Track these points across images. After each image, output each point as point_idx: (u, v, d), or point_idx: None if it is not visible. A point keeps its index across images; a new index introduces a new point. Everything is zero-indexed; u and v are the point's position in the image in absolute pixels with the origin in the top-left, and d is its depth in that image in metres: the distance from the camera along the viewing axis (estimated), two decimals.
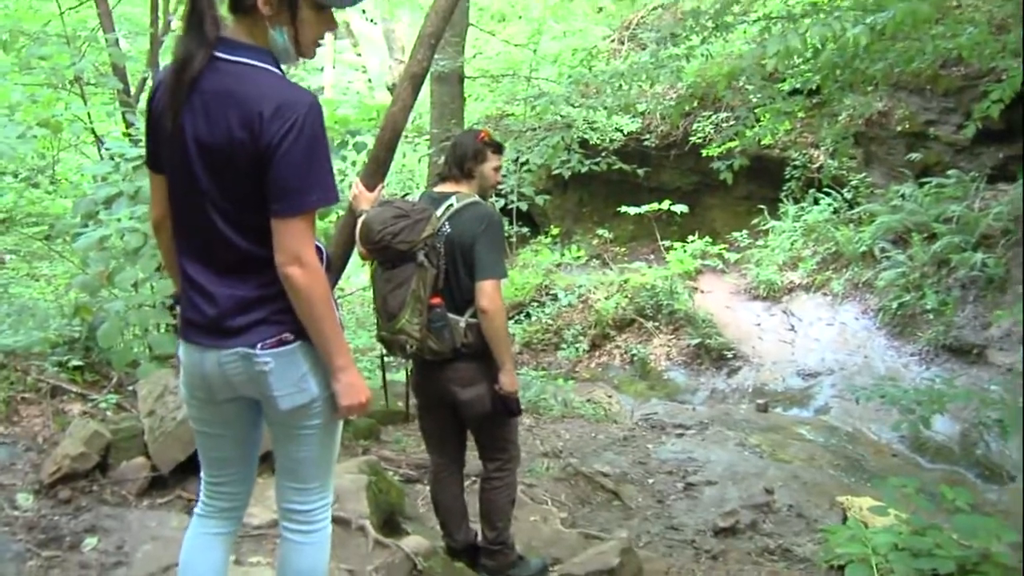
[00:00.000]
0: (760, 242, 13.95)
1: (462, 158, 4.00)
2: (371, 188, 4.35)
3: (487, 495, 4.23)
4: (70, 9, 8.79)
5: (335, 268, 4.82)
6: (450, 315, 3.80)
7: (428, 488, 5.44)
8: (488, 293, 3.73)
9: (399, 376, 9.59)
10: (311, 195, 2.29)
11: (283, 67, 2.43)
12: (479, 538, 4.35)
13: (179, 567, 2.78)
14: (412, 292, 3.68)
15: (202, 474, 2.79)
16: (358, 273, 14.10)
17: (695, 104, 12.59)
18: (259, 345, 2.41)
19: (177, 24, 7.97)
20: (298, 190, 2.27)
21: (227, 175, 2.30)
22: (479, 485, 4.30)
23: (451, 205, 3.84)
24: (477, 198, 3.97)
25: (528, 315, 13.13)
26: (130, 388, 5.26)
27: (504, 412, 4.01)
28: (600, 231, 16.19)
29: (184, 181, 2.37)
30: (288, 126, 2.22)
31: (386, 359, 7.79)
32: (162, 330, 5.30)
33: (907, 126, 12.04)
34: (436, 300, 3.75)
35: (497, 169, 4.17)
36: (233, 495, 2.79)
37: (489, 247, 3.79)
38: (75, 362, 5.38)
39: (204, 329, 2.47)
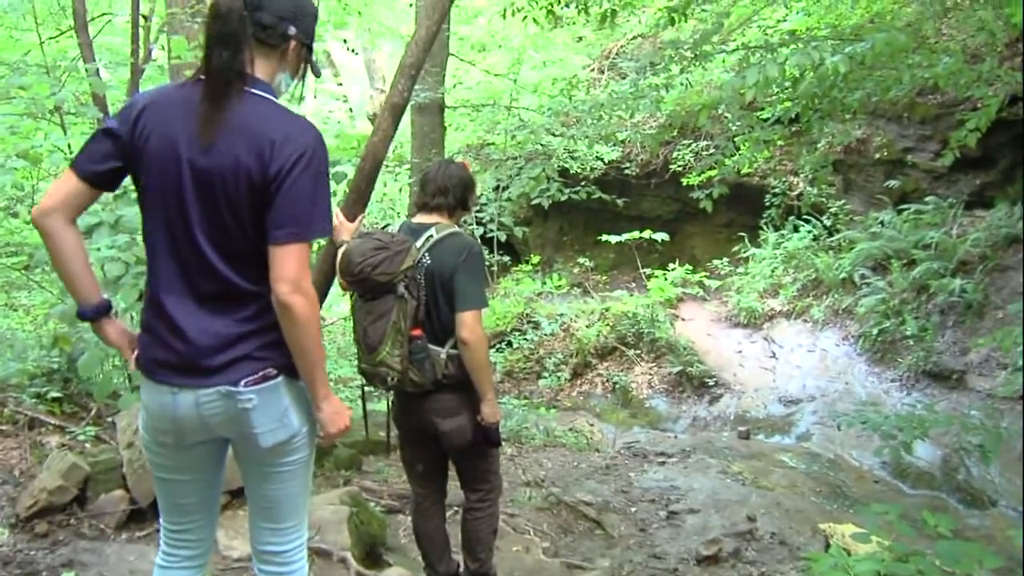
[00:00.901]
0: (741, 269, 14.01)
1: (463, 189, 4.00)
2: (352, 218, 4.35)
3: (469, 525, 4.21)
4: (50, 39, 8.80)
5: (320, 295, 4.81)
6: (431, 346, 3.78)
7: (410, 519, 5.44)
8: (469, 324, 3.72)
9: (380, 406, 9.55)
10: (315, 224, 2.30)
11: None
12: (461, 569, 4.32)
13: None
14: (392, 324, 3.65)
15: (162, 522, 2.74)
16: (339, 302, 14.06)
17: (675, 133, 12.66)
18: (242, 382, 2.38)
19: (159, 54, 7.99)
20: (305, 218, 2.27)
21: (224, 202, 2.29)
22: (461, 516, 4.28)
23: (431, 236, 3.84)
24: (457, 228, 3.97)
25: (510, 344, 13.11)
26: (109, 420, 5.23)
27: (486, 443, 3.99)
28: (581, 259, 16.21)
29: (173, 206, 2.35)
30: (299, 155, 2.26)
31: (367, 389, 7.77)
32: None
33: (885, 154, 12.13)
34: (417, 332, 3.73)
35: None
36: (197, 542, 2.76)
37: (470, 278, 3.77)
38: (54, 393, 5.35)
39: (177, 368, 2.41)
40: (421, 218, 3.99)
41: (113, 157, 2.39)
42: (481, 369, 3.81)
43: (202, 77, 2.35)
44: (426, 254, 3.80)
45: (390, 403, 4.94)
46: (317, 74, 2.65)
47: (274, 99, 2.41)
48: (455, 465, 4.20)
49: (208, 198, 2.30)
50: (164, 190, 2.35)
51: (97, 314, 2.57)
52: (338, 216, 4.33)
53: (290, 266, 2.22)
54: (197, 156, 2.29)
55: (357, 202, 4.52)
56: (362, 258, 3.62)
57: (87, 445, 4.90)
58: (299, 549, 2.72)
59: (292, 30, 2.45)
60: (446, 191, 3.96)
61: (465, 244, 3.88)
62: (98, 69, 7.24)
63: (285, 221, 2.24)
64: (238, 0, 2.31)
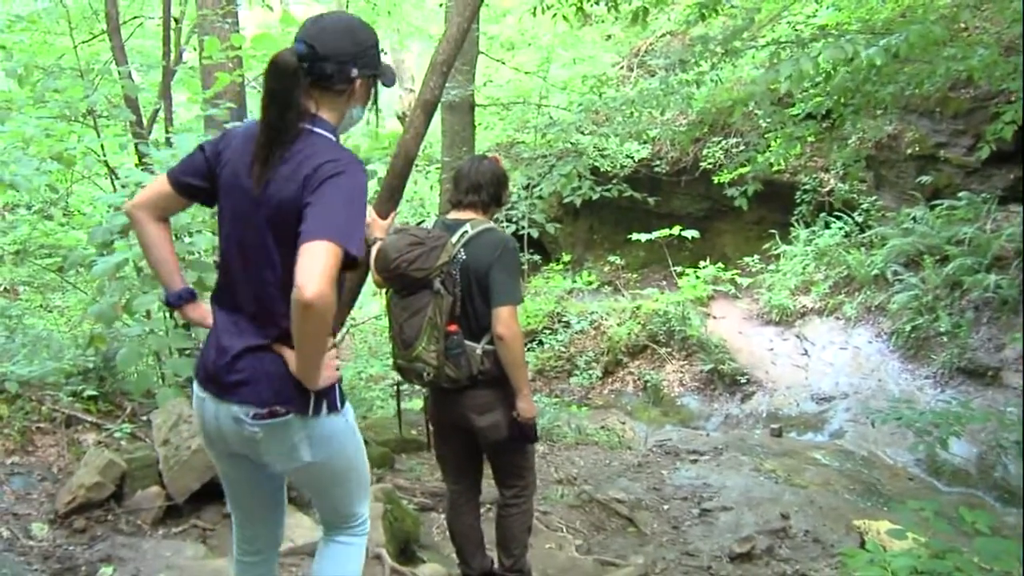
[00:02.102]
0: (772, 267, 13.94)
1: (496, 185, 4.01)
2: (384, 216, 4.36)
3: (504, 522, 4.21)
4: (84, 43, 8.89)
5: (348, 298, 4.84)
6: (466, 342, 3.79)
7: (444, 516, 5.44)
8: (504, 319, 3.72)
9: (413, 404, 9.59)
10: (337, 229, 2.26)
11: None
12: (495, 565, 4.32)
13: None
14: (428, 319, 3.66)
15: (232, 520, 2.90)
16: (370, 302, 14.12)
17: (705, 130, 12.62)
18: (251, 414, 2.46)
19: (190, 55, 8.05)
20: (327, 223, 2.27)
21: (273, 236, 2.41)
22: (495, 512, 4.28)
23: (466, 232, 3.84)
24: (492, 224, 3.96)
25: (541, 342, 13.11)
26: (144, 417, 5.27)
27: (521, 439, 3.99)
28: (611, 258, 16.21)
29: (235, 234, 2.52)
30: (329, 175, 2.33)
31: (401, 387, 7.78)
32: (177, 355, 5.28)
33: (917, 149, 12.04)
34: (452, 327, 3.74)
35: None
36: (258, 539, 2.91)
37: (505, 273, 3.78)
38: (89, 392, 5.39)
39: (209, 376, 2.55)
40: (456, 214, 3.99)
41: (199, 175, 2.61)
42: (517, 364, 3.81)
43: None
44: (461, 250, 3.80)
45: (424, 401, 4.93)
46: (389, 85, 2.73)
47: (328, 135, 2.50)
48: (490, 461, 4.20)
49: (270, 227, 2.42)
50: (234, 217, 2.53)
51: (179, 300, 2.79)
52: (371, 214, 4.34)
53: (309, 261, 2.19)
54: (252, 192, 2.44)
55: (389, 199, 4.53)
56: (398, 254, 3.65)
57: (123, 442, 4.93)
58: (359, 523, 2.87)
59: (355, 72, 2.53)
60: (479, 188, 3.96)
61: (500, 239, 3.87)
62: (130, 72, 7.30)
63: (309, 224, 2.26)
64: (293, 56, 2.42)
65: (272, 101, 2.43)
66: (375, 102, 2.72)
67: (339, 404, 2.58)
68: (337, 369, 2.56)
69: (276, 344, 2.45)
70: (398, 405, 7.79)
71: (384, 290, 3.91)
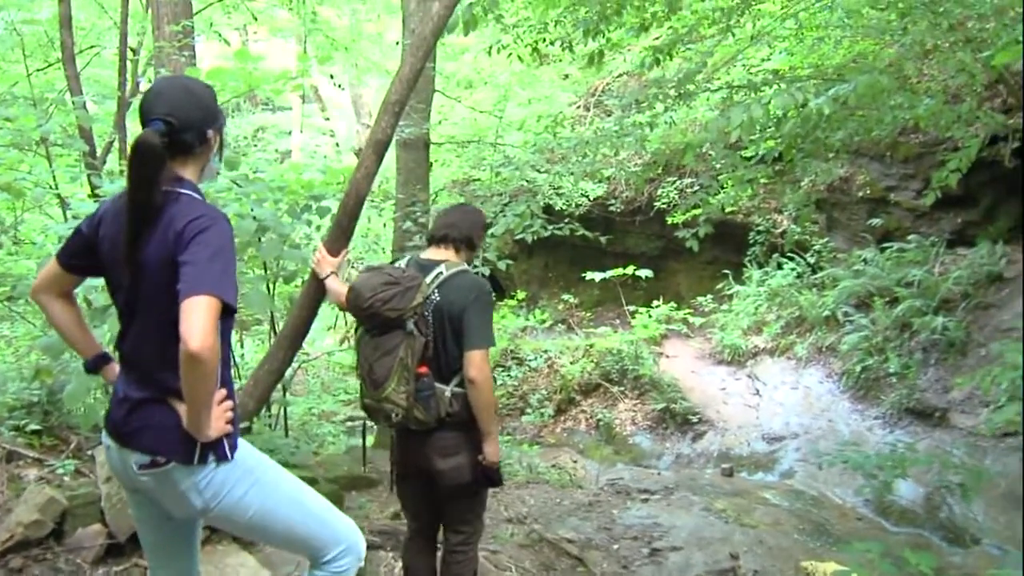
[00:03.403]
0: (725, 307, 14.06)
1: (472, 229, 4.02)
2: (334, 254, 4.35)
3: (451, 569, 4.15)
4: (38, 71, 8.82)
5: (300, 332, 4.82)
6: (436, 384, 3.77)
7: (391, 555, 5.40)
8: (477, 363, 3.70)
9: (360, 442, 9.53)
10: (207, 283, 2.40)
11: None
12: None
13: None
14: (400, 360, 3.65)
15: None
16: (322, 338, 14.05)
17: (659, 170, 12.74)
18: (135, 465, 2.61)
19: (146, 87, 8.01)
20: (198, 278, 2.40)
21: (159, 297, 2.50)
22: (441, 558, 4.21)
23: (440, 273, 3.83)
24: (466, 266, 3.96)
25: (494, 380, 13.09)
26: (89, 453, 5.19)
27: (487, 483, 3.99)
28: (565, 296, 16.26)
29: (122, 298, 2.68)
30: (196, 232, 2.48)
31: (357, 424, 7.73)
32: None
33: (868, 192, 12.24)
34: (423, 369, 3.73)
35: None
36: None
37: (479, 317, 3.77)
38: (33, 426, 5.31)
39: (113, 426, 2.70)
40: (430, 254, 3.98)
41: (82, 255, 2.79)
42: (487, 408, 3.80)
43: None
44: (435, 291, 3.79)
45: (377, 438, 4.88)
46: (220, 148, 2.90)
47: (191, 193, 2.65)
48: (443, 505, 4.13)
49: (150, 287, 2.56)
50: (118, 286, 2.68)
51: (95, 367, 2.95)
52: (321, 251, 4.35)
53: (187, 319, 2.31)
54: (134, 256, 2.56)
55: (340, 238, 4.51)
56: (372, 292, 3.64)
57: (66, 478, 4.85)
58: (335, 559, 2.91)
59: (210, 133, 2.74)
60: (453, 226, 3.97)
61: (475, 283, 3.87)
62: (85, 102, 7.25)
63: (189, 278, 2.39)
64: (156, 136, 2.55)
65: (138, 183, 2.54)
66: (221, 149, 2.90)
67: (229, 454, 2.65)
68: (229, 422, 2.65)
69: (171, 397, 2.57)
70: (363, 443, 7.74)
71: (353, 329, 3.89)
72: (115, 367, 2.88)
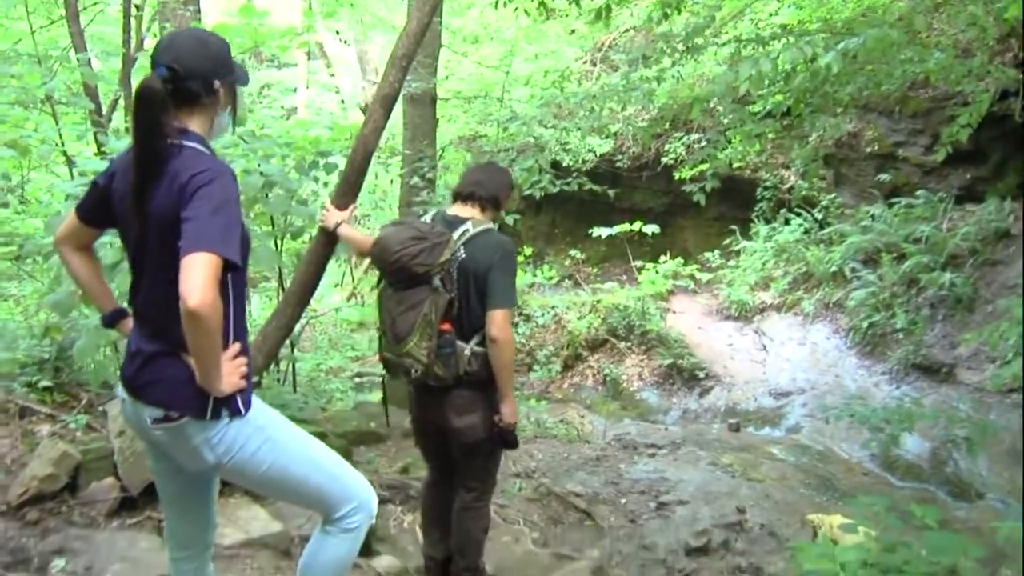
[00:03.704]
0: (732, 262, 14.05)
1: (499, 189, 4.02)
2: (342, 209, 4.36)
3: (463, 525, 4.19)
4: (41, 28, 8.77)
5: (308, 288, 4.83)
6: (457, 342, 3.78)
7: (399, 509, 5.46)
8: (499, 322, 3.72)
9: (373, 396, 9.57)
10: (208, 239, 2.39)
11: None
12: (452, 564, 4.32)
13: None
14: (424, 316, 3.65)
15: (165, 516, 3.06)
16: (330, 294, 14.08)
17: (667, 126, 12.68)
18: (149, 420, 2.60)
19: (151, 43, 7.97)
20: (198, 234, 2.39)
21: (168, 249, 2.44)
22: (455, 514, 4.24)
23: (467, 230, 3.83)
24: (492, 225, 3.96)
25: None
26: (101, 408, 5.22)
27: (503, 445, 4.01)
28: (572, 252, 16.25)
29: (135, 249, 2.68)
30: (198, 186, 2.45)
31: (374, 380, 7.73)
32: None
33: (876, 147, 12.16)
34: (446, 326, 3.73)
35: None
36: (189, 543, 3.02)
37: (503, 276, 3.77)
38: (44, 383, 5.34)
39: (126, 380, 2.70)
40: (456, 210, 3.97)
41: (99, 207, 2.78)
42: (506, 368, 3.81)
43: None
44: (461, 248, 3.79)
45: (384, 393, 4.90)
46: (244, 83, 2.86)
47: (197, 146, 2.61)
48: (457, 462, 4.16)
49: (156, 241, 2.55)
50: (129, 238, 2.70)
51: (112, 321, 2.98)
52: (328, 205, 4.35)
53: (186, 276, 2.31)
54: (142, 209, 2.56)
55: (347, 193, 4.51)
56: (400, 246, 3.64)
57: (78, 434, 4.89)
58: (344, 518, 2.90)
59: (217, 84, 2.69)
60: (481, 184, 3.97)
61: (500, 242, 3.87)
62: (89, 59, 7.21)
63: (190, 234, 2.38)
64: (159, 82, 2.54)
65: (141, 129, 2.54)
66: (236, 107, 2.86)
67: (242, 409, 2.65)
68: (243, 378, 2.64)
69: (183, 351, 2.53)
70: (384, 396, 7.76)
71: (376, 283, 3.89)
72: (131, 321, 2.87)
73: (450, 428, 3.93)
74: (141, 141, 2.54)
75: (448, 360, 3.76)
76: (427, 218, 4.03)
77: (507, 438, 3.97)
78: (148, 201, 2.53)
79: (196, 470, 2.74)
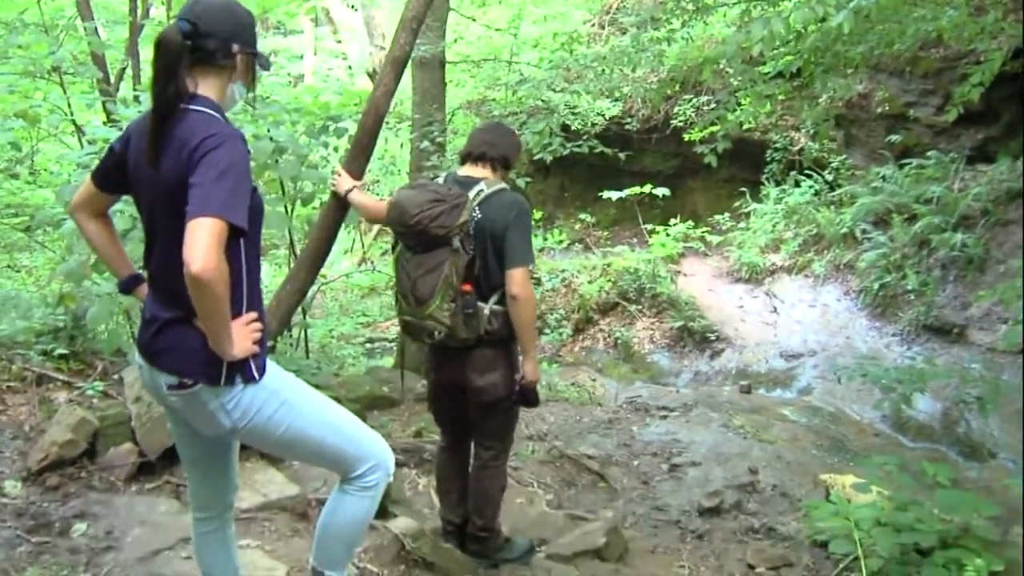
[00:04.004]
0: (742, 225, 14.02)
1: (509, 149, 4.03)
2: (354, 174, 4.37)
3: (481, 484, 4.24)
4: None
5: (317, 257, 4.85)
6: (477, 302, 3.81)
7: (413, 472, 5.50)
8: (519, 280, 3.77)
9: (386, 361, 9.61)
10: (214, 204, 2.38)
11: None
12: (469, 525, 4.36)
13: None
14: (444, 278, 3.66)
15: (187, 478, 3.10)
16: (340, 261, 14.09)
17: (676, 88, 12.61)
18: (165, 387, 2.62)
19: (158, 11, 7.95)
20: (204, 198, 2.38)
21: (176, 211, 2.46)
22: (472, 473, 4.29)
23: (481, 191, 3.84)
24: (504, 185, 3.97)
25: None
26: (116, 376, 5.26)
27: (522, 402, 4.06)
28: (582, 215, 16.23)
29: (147, 213, 2.69)
30: (207, 150, 2.44)
31: (394, 343, 7.72)
32: None
33: (887, 108, 12.09)
34: (467, 287, 3.76)
35: None
36: (209, 505, 3.06)
37: (520, 235, 3.80)
38: (60, 351, 5.37)
39: (142, 346, 2.72)
40: (467, 171, 3.98)
41: (116, 172, 2.78)
42: (528, 326, 3.87)
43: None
44: (476, 208, 3.80)
45: (399, 358, 4.91)
46: (266, 68, 2.86)
47: (207, 111, 2.61)
48: (475, 421, 4.19)
49: (167, 207, 2.54)
50: (142, 202, 2.71)
51: (128, 287, 3.01)
52: (339, 171, 4.36)
53: (190, 241, 2.32)
54: (149, 176, 2.59)
55: (359, 156, 4.51)
56: (419, 209, 3.63)
57: (95, 400, 4.93)
58: (361, 477, 2.91)
59: (235, 47, 2.68)
60: (493, 144, 3.97)
61: (515, 200, 3.89)
62: (96, 28, 7.20)
63: (195, 200, 2.37)
64: (177, 33, 2.55)
65: (159, 77, 2.54)
66: (255, 80, 2.85)
67: (256, 375, 2.66)
68: (257, 343, 2.65)
69: (196, 318, 2.53)
70: (401, 360, 7.78)
71: (391, 246, 3.89)
72: (147, 287, 2.87)
73: (471, 387, 3.96)
74: (157, 89, 2.54)
75: (470, 321, 3.78)
76: (440, 180, 4.01)
77: (529, 396, 4.02)
78: (160, 164, 2.54)
79: (213, 435, 2.77)
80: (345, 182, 4.27)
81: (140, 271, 2.97)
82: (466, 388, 3.99)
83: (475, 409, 4.11)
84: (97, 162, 2.89)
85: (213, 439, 2.86)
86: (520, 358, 4.04)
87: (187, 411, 2.68)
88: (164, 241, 2.60)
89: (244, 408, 2.65)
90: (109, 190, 2.86)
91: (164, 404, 2.81)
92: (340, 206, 4.45)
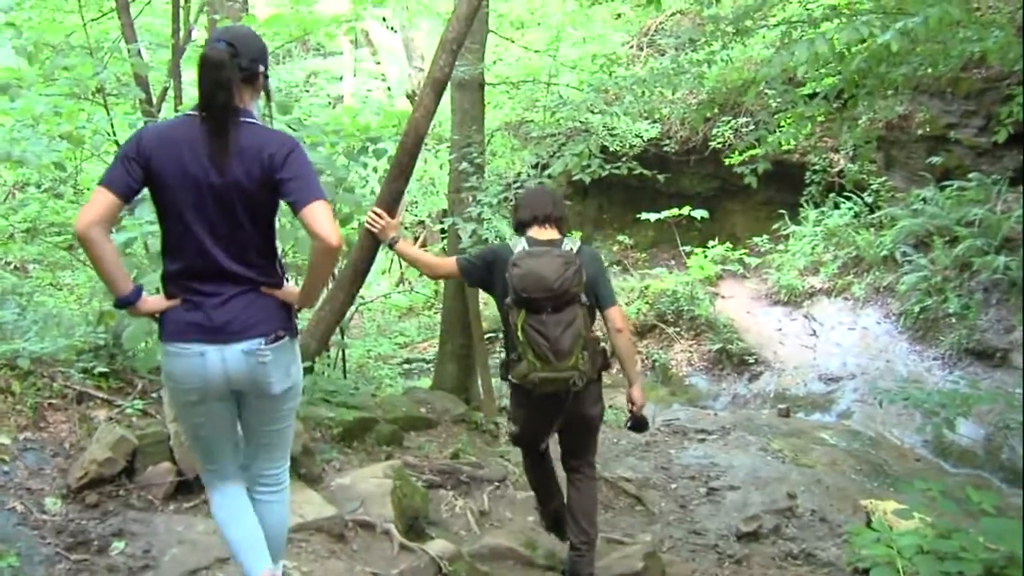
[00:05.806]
0: (781, 247, 13.94)
1: (564, 210, 4.41)
2: (388, 209, 4.51)
3: (592, 491, 4.57)
4: (93, 20, 8.86)
5: (359, 274, 4.89)
6: None
7: (450, 494, 5.52)
8: (620, 316, 4.35)
9: (423, 383, 9.60)
10: (318, 188, 2.88)
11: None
12: (570, 542, 4.50)
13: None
14: (578, 330, 4.03)
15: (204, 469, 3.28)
16: (378, 281, 14.14)
17: (715, 109, 12.59)
18: (264, 342, 2.96)
19: (199, 34, 8.04)
20: (313, 185, 2.87)
21: (240, 208, 2.90)
22: (580, 487, 4.53)
23: (571, 248, 4.19)
24: (578, 240, 4.36)
25: None
26: (155, 395, 5.29)
27: (636, 428, 4.51)
28: (620, 237, 16.20)
29: (197, 217, 2.90)
30: (288, 151, 2.89)
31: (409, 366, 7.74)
32: None
33: (928, 129, 11.99)
34: (592, 334, 4.17)
35: None
36: (230, 473, 3.27)
37: (608, 279, 4.39)
38: (100, 369, 5.40)
39: (206, 331, 2.94)
40: (543, 234, 4.28)
41: (137, 180, 2.91)
42: (632, 356, 4.38)
43: (203, 114, 2.88)
44: None
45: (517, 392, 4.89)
46: (268, 94, 3.16)
47: (258, 122, 2.99)
48: (577, 443, 4.53)
49: (227, 207, 2.89)
50: (191, 203, 2.90)
51: (134, 298, 3.04)
52: (378, 213, 4.46)
53: (322, 218, 2.79)
54: (214, 179, 2.85)
55: (399, 177, 4.54)
56: (558, 275, 3.99)
57: (134, 419, 4.95)
58: (285, 472, 3.35)
59: (261, 67, 3.03)
60: (554, 205, 4.35)
61: (595, 252, 4.54)
62: (140, 50, 7.28)
63: (302, 189, 2.84)
64: (224, 52, 2.86)
65: (218, 88, 2.84)
66: (267, 99, 3.17)
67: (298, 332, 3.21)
68: None
69: (262, 288, 2.99)
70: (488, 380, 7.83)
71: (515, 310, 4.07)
72: (149, 299, 3.06)
73: (587, 416, 4.37)
74: (217, 101, 2.84)
75: (595, 361, 4.23)
76: (517, 244, 4.24)
77: (641, 422, 4.48)
78: (226, 171, 2.84)
79: (276, 392, 3.04)
80: (388, 232, 4.41)
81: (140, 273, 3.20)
82: (582, 418, 4.36)
83: (585, 435, 4.51)
84: (109, 176, 2.90)
85: (232, 420, 3.15)
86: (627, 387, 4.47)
87: (272, 365, 2.98)
88: (228, 232, 2.92)
89: (298, 359, 3.14)
90: (126, 199, 2.94)
91: (228, 382, 2.98)
92: (373, 240, 4.55)
